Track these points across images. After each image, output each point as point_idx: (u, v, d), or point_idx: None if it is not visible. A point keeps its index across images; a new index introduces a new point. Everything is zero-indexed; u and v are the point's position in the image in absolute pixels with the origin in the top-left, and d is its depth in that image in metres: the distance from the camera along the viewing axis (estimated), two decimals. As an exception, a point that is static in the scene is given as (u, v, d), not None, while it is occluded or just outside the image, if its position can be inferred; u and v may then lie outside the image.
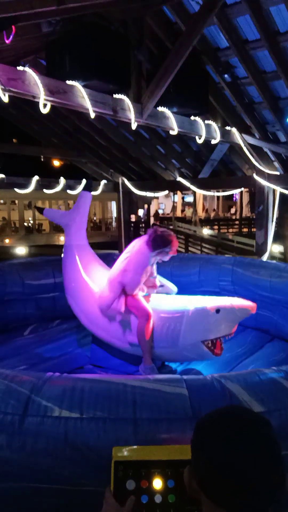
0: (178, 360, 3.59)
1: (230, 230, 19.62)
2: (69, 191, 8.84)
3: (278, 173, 6.79)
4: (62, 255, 4.02)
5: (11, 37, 3.30)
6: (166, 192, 10.70)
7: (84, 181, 8.77)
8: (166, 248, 3.24)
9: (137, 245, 3.35)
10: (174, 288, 3.73)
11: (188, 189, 8.03)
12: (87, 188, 4.18)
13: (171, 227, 17.40)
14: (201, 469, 0.87)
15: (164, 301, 3.50)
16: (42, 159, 21.21)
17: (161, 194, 10.35)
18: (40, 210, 4.25)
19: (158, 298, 3.56)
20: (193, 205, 16.94)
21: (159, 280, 3.65)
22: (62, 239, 22.97)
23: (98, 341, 3.77)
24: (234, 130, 6.17)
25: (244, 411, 0.95)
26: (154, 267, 3.53)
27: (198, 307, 3.20)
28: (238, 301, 3.26)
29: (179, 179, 8.07)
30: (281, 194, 6.76)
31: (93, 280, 3.69)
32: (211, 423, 0.90)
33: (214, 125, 5.91)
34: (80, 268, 3.77)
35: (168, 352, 3.34)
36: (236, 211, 26.83)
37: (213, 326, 3.10)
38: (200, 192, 10.08)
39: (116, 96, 4.58)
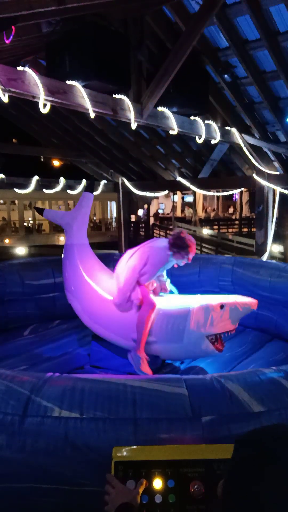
0: (182, 357, 3.60)
1: (230, 230, 19.61)
2: (69, 191, 8.84)
3: (278, 173, 6.79)
4: (63, 255, 4.00)
5: (11, 37, 3.30)
6: (166, 192, 10.71)
7: (84, 181, 8.78)
8: (183, 252, 3.30)
9: (159, 241, 3.51)
10: (176, 293, 3.88)
11: (188, 189, 8.03)
12: (90, 188, 4.08)
13: (170, 227, 17.41)
14: (227, 490, 0.85)
15: (169, 300, 3.56)
16: (42, 159, 21.22)
17: (161, 194, 10.35)
18: (40, 211, 4.20)
19: (162, 298, 3.60)
20: (193, 205, 16.93)
21: (169, 284, 3.72)
22: (62, 239, 22.97)
23: (98, 342, 3.76)
24: (234, 130, 6.18)
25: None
26: (165, 272, 3.63)
27: (203, 303, 3.28)
28: (240, 298, 3.36)
29: (179, 179, 8.08)
30: (281, 194, 6.77)
31: (94, 280, 3.69)
32: (246, 445, 0.87)
33: (214, 125, 5.91)
34: (81, 268, 3.76)
35: (173, 348, 3.37)
36: (234, 210, 26.81)
37: (217, 321, 3.19)
38: (200, 192, 10.07)
39: (116, 96, 4.58)
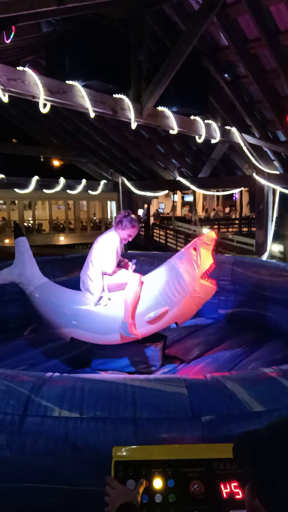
0: (194, 310, 3.70)
1: (230, 229, 19.62)
2: (69, 191, 8.84)
3: (278, 172, 6.79)
4: (35, 303, 3.72)
5: (11, 37, 3.29)
6: (166, 191, 10.71)
7: (84, 181, 8.76)
8: (127, 230, 3.55)
9: (105, 233, 3.69)
10: None
11: (188, 188, 8.03)
12: (17, 233, 3.92)
13: (171, 226, 17.41)
14: (266, 487, 0.86)
15: (148, 274, 3.71)
16: (42, 159, 21.21)
17: (161, 193, 10.35)
18: None
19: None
20: (193, 204, 16.93)
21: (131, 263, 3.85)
22: (62, 239, 22.97)
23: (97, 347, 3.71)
24: (234, 129, 6.17)
25: None
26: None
27: (181, 256, 3.62)
28: (198, 238, 3.77)
29: (179, 178, 8.08)
30: (281, 194, 6.76)
31: (77, 300, 3.64)
32: (272, 441, 0.89)
33: (214, 125, 5.91)
34: (61, 302, 3.64)
35: (185, 305, 3.56)
36: (231, 210, 26.81)
37: (200, 261, 3.55)
38: (200, 192, 10.08)
39: (116, 96, 4.58)
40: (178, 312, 3.56)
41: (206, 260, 3.59)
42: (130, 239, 3.63)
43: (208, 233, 3.76)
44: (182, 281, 3.51)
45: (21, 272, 3.72)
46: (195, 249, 3.60)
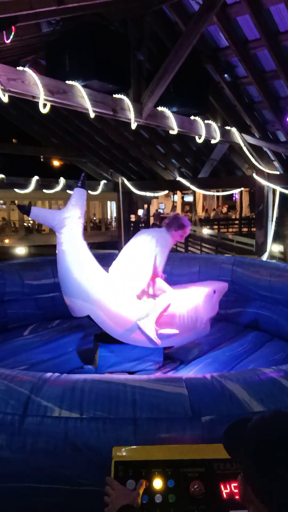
0: (191, 339, 3.87)
1: (230, 229, 19.61)
2: (69, 191, 8.84)
3: (278, 172, 6.79)
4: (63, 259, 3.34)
5: (11, 37, 3.29)
6: (166, 192, 10.71)
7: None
8: (180, 230, 3.66)
9: (155, 230, 3.72)
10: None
11: (188, 188, 8.03)
12: (82, 184, 3.47)
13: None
14: (258, 478, 0.88)
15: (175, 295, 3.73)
16: (42, 159, 21.21)
17: (161, 194, 10.36)
18: (25, 210, 3.39)
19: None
20: (193, 204, 16.93)
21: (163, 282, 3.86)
22: (62, 239, 22.95)
23: (104, 347, 3.60)
24: (234, 129, 6.17)
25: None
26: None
27: (203, 292, 3.77)
28: (211, 283, 4.07)
29: (179, 178, 8.08)
30: (281, 194, 6.76)
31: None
32: (264, 433, 0.91)
33: (214, 125, 5.91)
34: (98, 270, 3.42)
35: (188, 337, 3.75)
36: (228, 210, 26.78)
37: (213, 305, 3.85)
38: (200, 192, 10.08)
39: (116, 96, 4.58)
40: (181, 338, 3.67)
41: (217, 306, 3.93)
42: (181, 239, 3.78)
43: (223, 285, 4.11)
44: (199, 316, 3.67)
45: (73, 215, 3.33)
46: (215, 292, 3.86)
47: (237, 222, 20.88)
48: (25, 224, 22.93)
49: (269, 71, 5.24)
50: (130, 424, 1.58)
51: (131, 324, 3.37)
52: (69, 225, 3.33)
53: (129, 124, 4.84)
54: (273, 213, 6.98)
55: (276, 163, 6.84)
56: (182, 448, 1.49)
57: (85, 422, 1.58)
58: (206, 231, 14.83)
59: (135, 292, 3.49)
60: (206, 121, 5.77)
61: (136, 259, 3.53)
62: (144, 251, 3.53)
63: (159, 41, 5.36)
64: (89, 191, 9.21)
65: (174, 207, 24.51)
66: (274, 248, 8.02)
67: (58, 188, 8.55)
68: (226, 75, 5.48)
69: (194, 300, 3.71)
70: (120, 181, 8.94)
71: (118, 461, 1.40)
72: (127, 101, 4.64)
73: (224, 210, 26.84)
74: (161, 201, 29.63)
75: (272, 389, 1.79)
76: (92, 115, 4.37)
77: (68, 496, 1.58)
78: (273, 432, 0.91)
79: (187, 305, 3.65)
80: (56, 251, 3.35)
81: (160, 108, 5.12)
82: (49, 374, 1.84)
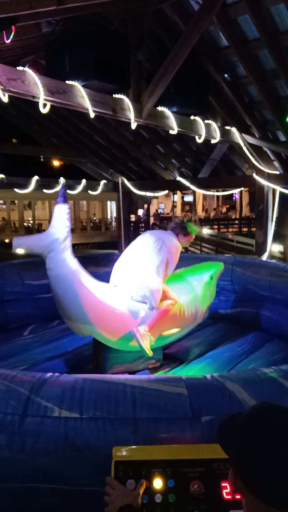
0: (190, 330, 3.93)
1: (230, 229, 19.59)
2: (69, 191, 8.83)
3: (277, 172, 6.79)
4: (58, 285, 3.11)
5: (11, 37, 3.29)
6: (166, 191, 10.71)
7: (84, 181, 8.74)
8: (188, 235, 3.56)
9: (165, 234, 3.50)
10: None
11: (188, 188, 8.03)
12: (63, 199, 3.07)
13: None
14: (247, 470, 0.89)
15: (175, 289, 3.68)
16: (42, 159, 21.19)
17: (161, 193, 10.36)
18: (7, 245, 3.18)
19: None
20: (193, 204, 16.93)
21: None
22: (62, 239, 22.94)
23: (107, 348, 3.54)
24: (234, 129, 6.18)
25: (279, 409, 0.98)
26: None
27: (201, 281, 3.79)
28: (210, 266, 4.08)
29: (179, 178, 8.08)
30: (281, 194, 6.77)
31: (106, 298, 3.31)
32: (251, 426, 0.93)
33: (214, 125, 5.91)
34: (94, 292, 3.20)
35: (188, 329, 3.84)
36: (228, 210, 26.75)
37: (212, 291, 3.90)
38: (200, 192, 10.08)
39: (115, 96, 4.58)
40: (181, 333, 3.76)
41: (215, 290, 3.94)
42: (187, 245, 3.67)
43: (221, 265, 4.09)
44: (198, 307, 3.69)
45: (59, 237, 3.00)
46: (211, 278, 3.85)
47: (237, 222, 20.87)
48: (25, 224, 22.94)
49: (269, 71, 5.24)
50: (130, 424, 1.58)
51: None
52: (56, 249, 3.03)
53: (129, 124, 4.84)
54: (273, 213, 6.98)
55: (276, 163, 6.84)
56: (182, 448, 1.49)
57: (85, 422, 1.58)
58: (206, 231, 14.82)
59: (154, 303, 3.26)
60: (206, 121, 5.77)
61: (145, 264, 3.29)
62: (155, 257, 3.28)
63: (159, 41, 5.36)
64: (89, 191, 9.22)
65: (174, 207, 24.49)
66: (274, 248, 8.01)
67: (58, 188, 8.53)
68: (226, 75, 5.49)
69: (193, 292, 3.72)
70: (120, 181, 8.94)
71: (118, 461, 1.40)
72: (127, 101, 4.64)
73: (224, 210, 26.83)
74: (161, 201, 29.61)
75: (272, 389, 1.79)
76: (92, 115, 4.37)
77: (68, 496, 1.58)
78: (259, 422, 0.92)
79: (187, 301, 3.62)
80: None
81: (160, 108, 5.12)
82: (49, 374, 1.84)
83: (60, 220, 3.04)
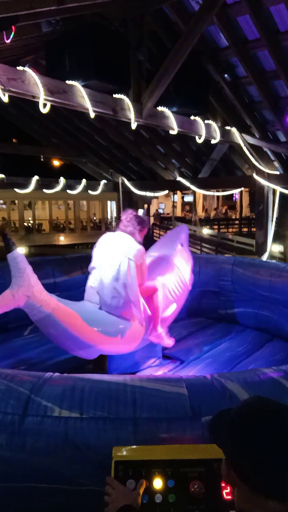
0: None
1: (230, 229, 19.61)
2: (69, 191, 8.85)
3: (278, 172, 6.79)
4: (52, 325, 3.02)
5: (11, 37, 3.29)
6: (166, 191, 10.71)
7: (84, 181, 8.74)
8: (145, 227, 3.36)
9: (128, 248, 3.17)
10: None
11: (188, 188, 8.04)
12: (9, 246, 2.81)
13: (171, 226, 17.40)
14: (239, 459, 0.92)
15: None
16: (42, 159, 21.20)
17: (161, 193, 10.36)
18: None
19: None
20: (193, 204, 16.93)
21: None
22: (62, 239, 22.96)
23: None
24: (234, 129, 6.18)
25: (270, 402, 1.01)
26: None
27: (174, 253, 3.84)
28: (177, 236, 4.07)
29: (179, 178, 8.08)
30: (281, 194, 6.77)
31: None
32: (243, 418, 0.96)
33: (214, 125, 5.91)
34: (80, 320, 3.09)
35: (185, 297, 3.90)
36: (227, 210, 26.77)
37: (188, 255, 3.95)
38: (200, 192, 10.09)
39: (116, 96, 4.58)
40: (180, 306, 3.82)
41: (189, 253, 4.01)
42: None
43: (186, 228, 4.20)
44: (182, 278, 3.75)
45: (29, 294, 2.81)
46: (182, 244, 3.90)
47: (237, 222, 20.88)
48: (25, 224, 22.95)
49: (269, 71, 5.24)
50: (130, 424, 1.58)
51: (140, 339, 3.37)
52: (29, 295, 2.80)
53: (129, 124, 4.84)
54: (273, 213, 6.98)
55: (276, 163, 6.84)
56: (182, 448, 1.49)
57: (85, 422, 1.58)
58: (206, 231, 14.83)
59: (141, 319, 3.22)
60: (206, 121, 5.77)
61: (118, 286, 3.10)
62: (128, 277, 3.07)
63: (159, 41, 5.36)
64: (89, 191, 9.22)
65: (174, 207, 24.51)
66: (274, 248, 8.01)
67: (58, 188, 8.55)
68: (226, 75, 5.49)
69: (171, 267, 3.78)
70: (120, 181, 8.95)
71: (118, 461, 1.40)
72: (127, 101, 4.65)
73: (223, 211, 26.85)
74: (161, 201, 29.65)
75: (272, 389, 1.79)
76: (92, 115, 4.37)
77: (68, 496, 1.58)
78: (251, 413, 0.95)
79: (171, 278, 3.70)
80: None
81: (160, 108, 5.12)
82: (49, 374, 1.84)
83: (18, 267, 2.81)
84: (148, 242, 3.72)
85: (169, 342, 3.56)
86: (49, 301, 2.89)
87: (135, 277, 3.06)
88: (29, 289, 2.78)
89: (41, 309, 2.85)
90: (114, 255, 3.15)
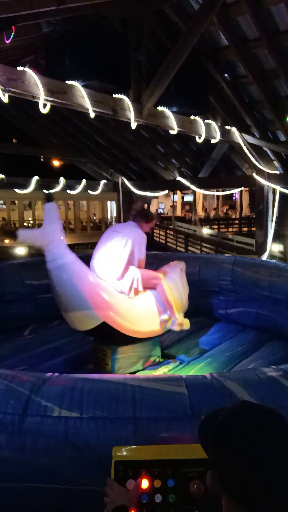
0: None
1: (230, 229, 19.61)
2: (69, 191, 8.85)
3: (278, 172, 6.79)
4: (61, 276, 3.18)
5: (11, 37, 3.30)
6: (166, 191, 10.72)
7: (84, 181, 8.74)
8: (149, 222, 3.64)
9: (128, 227, 3.58)
10: None
11: (188, 188, 8.04)
12: (48, 199, 3.35)
13: (171, 226, 17.41)
14: (223, 471, 0.90)
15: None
16: (42, 159, 21.20)
17: (161, 193, 10.36)
18: (12, 235, 3.47)
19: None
20: (193, 204, 16.94)
21: None
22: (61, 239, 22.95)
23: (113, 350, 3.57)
24: (234, 129, 6.18)
25: (256, 408, 0.97)
26: None
27: (174, 270, 3.86)
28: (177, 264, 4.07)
29: (179, 178, 8.08)
30: (281, 194, 6.77)
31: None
32: (227, 425, 0.93)
33: (214, 125, 5.91)
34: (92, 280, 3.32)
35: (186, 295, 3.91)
36: (227, 210, 26.76)
37: (185, 282, 3.94)
38: (200, 192, 10.09)
39: (115, 96, 4.58)
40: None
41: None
42: (148, 231, 3.72)
43: (183, 263, 4.14)
44: (184, 290, 3.82)
45: (56, 229, 3.16)
46: (181, 269, 3.94)
47: (237, 222, 20.88)
48: (25, 224, 22.94)
49: (269, 70, 5.24)
50: (130, 424, 1.58)
51: (149, 318, 3.49)
52: (55, 240, 3.16)
53: (129, 124, 4.84)
54: (273, 213, 6.98)
55: (276, 163, 6.84)
56: (182, 448, 1.49)
57: (85, 422, 1.58)
58: (206, 231, 14.83)
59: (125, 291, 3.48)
60: (206, 121, 5.77)
61: (113, 259, 3.42)
62: (123, 254, 3.38)
63: (159, 41, 5.36)
64: (89, 191, 9.22)
65: (174, 207, 24.52)
66: (274, 247, 8.01)
67: (58, 188, 8.56)
68: (226, 75, 5.49)
69: (177, 268, 3.93)
70: (120, 181, 8.95)
71: (118, 461, 1.40)
72: (127, 101, 4.65)
73: (223, 210, 26.84)
74: (161, 201, 29.64)
75: (272, 389, 1.79)
76: (92, 115, 4.38)
77: (68, 496, 1.58)
78: (236, 424, 0.92)
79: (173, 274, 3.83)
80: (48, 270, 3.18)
81: (160, 108, 5.12)
82: (49, 374, 1.84)
83: (52, 215, 3.25)
84: (148, 242, 3.71)
85: (187, 323, 3.68)
86: (70, 253, 3.20)
87: (127, 254, 3.34)
88: (55, 235, 3.14)
89: (62, 256, 3.13)
90: (116, 237, 3.49)
